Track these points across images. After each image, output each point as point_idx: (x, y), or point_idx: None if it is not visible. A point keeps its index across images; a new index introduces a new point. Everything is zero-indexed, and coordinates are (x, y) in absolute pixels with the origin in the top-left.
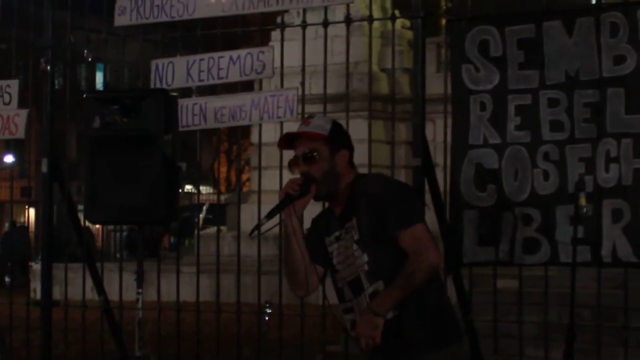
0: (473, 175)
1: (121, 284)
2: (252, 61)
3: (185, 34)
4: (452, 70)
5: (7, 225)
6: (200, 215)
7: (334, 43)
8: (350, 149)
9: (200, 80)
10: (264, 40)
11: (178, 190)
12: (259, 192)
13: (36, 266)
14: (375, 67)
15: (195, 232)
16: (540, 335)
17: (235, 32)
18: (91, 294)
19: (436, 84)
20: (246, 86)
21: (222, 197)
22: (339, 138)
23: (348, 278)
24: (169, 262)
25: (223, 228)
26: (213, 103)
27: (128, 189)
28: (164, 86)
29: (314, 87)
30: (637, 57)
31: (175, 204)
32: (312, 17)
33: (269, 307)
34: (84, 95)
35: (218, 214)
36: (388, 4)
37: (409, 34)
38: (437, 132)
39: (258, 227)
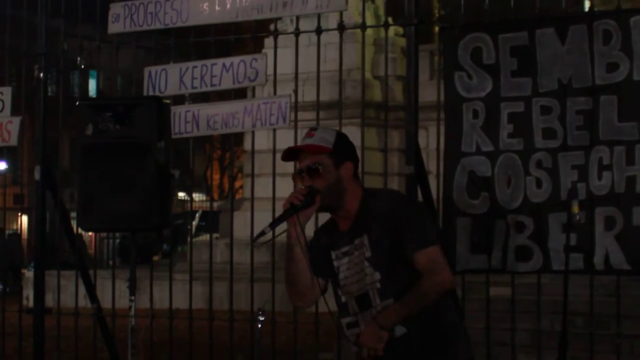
0: (466, 182)
1: (114, 292)
2: (245, 68)
3: (179, 41)
4: (445, 78)
5: None
6: (193, 223)
7: (327, 50)
8: (355, 160)
9: (193, 88)
10: (257, 48)
11: (171, 198)
12: (252, 199)
13: (29, 273)
14: (368, 75)
15: (188, 239)
16: (533, 343)
17: (228, 39)
18: (84, 302)
19: (429, 92)
20: (239, 93)
21: (215, 205)
22: (343, 150)
23: (355, 293)
24: (162, 270)
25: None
26: (206, 110)
27: (121, 196)
28: (157, 93)
29: (307, 95)
30: (630, 64)
31: (168, 211)
32: (306, 25)
33: (262, 315)
34: (77, 103)
35: (211, 221)
36: (381, 12)
37: (402, 42)
38: (430, 139)
39: (261, 235)
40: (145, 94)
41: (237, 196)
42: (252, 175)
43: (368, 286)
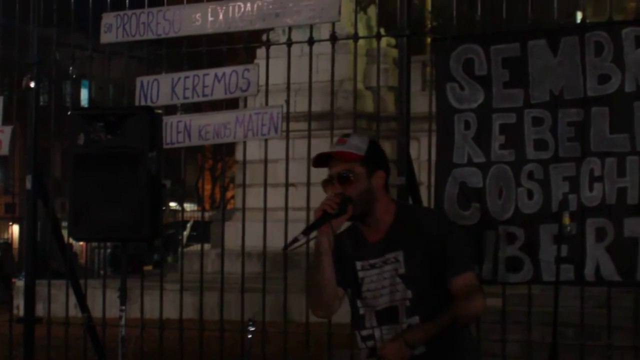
0: (457, 193)
1: (104, 301)
2: (237, 79)
3: (171, 51)
4: (436, 89)
5: None
6: (185, 233)
7: (319, 61)
8: (387, 169)
9: (185, 98)
10: (250, 58)
11: (162, 208)
12: (243, 209)
13: (19, 283)
14: (360, 85)
15: (179, 249)
16: (524, 354)
17: (220, 49)
18: (74, 311)
19: (421, 102)
20: (231, 104)
21: (207, 215)
22: (375, 158)
23: (378, 307)
24: (153, 280)
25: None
26: (197, 120)
27: (112, 206)
28: (149, 103)
29: (299, 105)
30: (622, 76)
31: (159, 221)
32: (298, 35)
33: (252, 325)
34: (69, 112)
35: (202, 231)
36: (374, 22)
37: (395, 52)
38: (422, 150)
39: (294, 242)
40: (137, 104)
41: (229, 206)
42: (244, 186)
43: (398, 302)
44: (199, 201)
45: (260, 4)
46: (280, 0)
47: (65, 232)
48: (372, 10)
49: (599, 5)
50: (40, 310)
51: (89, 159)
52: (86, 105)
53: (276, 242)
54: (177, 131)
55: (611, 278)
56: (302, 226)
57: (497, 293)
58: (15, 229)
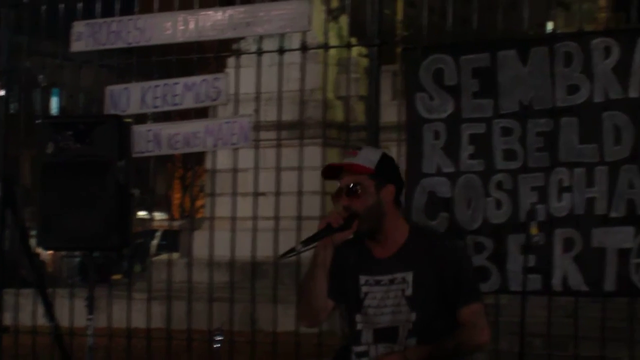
0: (424, 203)
1: (72, 310)
2: (207, 88)
3: (141, 60)
4: (406, 99)
5: None
6: (154, 242)
7: (290, 70)
8: (398, 184)
9: (155, 107)
10: (221, 67)
11: (131, 217)
12: (212, 218)
13: None
14: (330, 95)
15: (148, 258)
16: None
17: (190, 58)
18: (42, 320)
19: (392, 112)
20: (200, 112)
21: (176, 224)
22: (386, 172)
23: (378, 325)
24: (121, 289)
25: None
26: (167, 129)
27: (81, 215)
28: (119, 112)
29: (270, 114)
30: (591, 86)
31: (128, 230)
32: (269, 44)
33: (220, 335)
34: (38, 121)
35: (171, 240)
36: (345, 32)
37: (365, 62)
38: None
39: (290, 252)
40: (106, 112)
41: (199, 215)
42: (213, 195)
43: (400, 323)
44: (169, 210)
45: (231, 13)
46: (251, 9)
47: (34, 241)
48: (344, 20)
49: (570, 16)
50: (7, 319)
51: (57, 167)
52: (57, 114)
53: (245, 251)
54: (147, 140)
55: (579, 288)
56: (270, 235)
57: None
58: None
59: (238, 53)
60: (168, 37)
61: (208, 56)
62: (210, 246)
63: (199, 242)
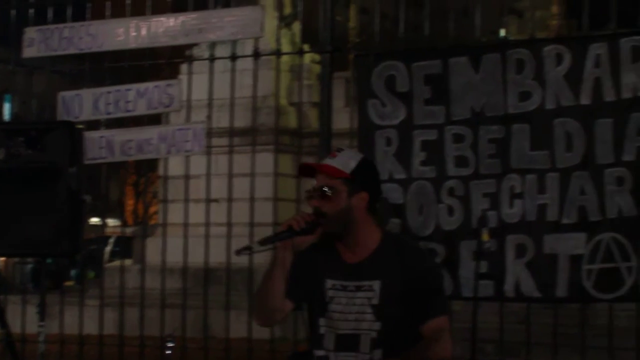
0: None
1: (24, 317)
2: (160, 94)
3: (93, 66)
4: (358, 105)
5: None
6: (107, 248)
7: (243, 77)
8: (373, 191)
9: (107, 113)
10: (174, 74)
11: (83, 223)
12: (165, 225)
13: None
14: (283, 101)
15: (102, 265)
16: None
17: (143, 64)
18: None
19: (345, 118)
20: (153, 119)
21: (129, 230)
22: (362, 179)
23: (341, 331)
24: (74, 295)
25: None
26: (120, 136)
27: (32, 221)
28: (71, 118)
29: (223, 121)
30: (542, 93)
31: (80, 236)
32: (222, 51)
33: (172, 341)
34: None
35: (124, 246)
36: (297, 39)
37: (318, 68)
38: None
39: (246, 249)
40: (59, 119)
41: (152, 222)
42: (165, 201)
43: (363, 331)
44: (122, 216)
45: (183, 19)
46: (204, 15)
47: None
48: (297, 27)
49: (523, 23)
50: None
51: (9, 173)
52: (9, 120)
53: (198, 257)
54: (100, 146)
55: (531, 294)
56: (223, 242)
57: None
58: None
59: (190, 59)
60: (120, 44)
61: (160, 62)
62: (163, 252)
63: (152, 249)
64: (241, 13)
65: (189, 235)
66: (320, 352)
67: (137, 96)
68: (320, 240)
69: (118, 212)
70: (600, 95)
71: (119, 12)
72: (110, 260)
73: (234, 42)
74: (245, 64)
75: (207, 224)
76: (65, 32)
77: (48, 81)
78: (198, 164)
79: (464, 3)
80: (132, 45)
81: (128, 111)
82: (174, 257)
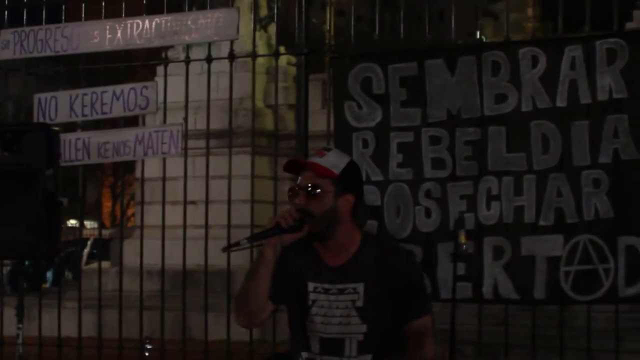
0: None
1: (2, 319)
2: (136, 96)
3: (69, 68)
4: (334, 107)
5: None
6: (85, 250)
7: (219, 79)
8: (358, 194)
9: (84, 115)
10: (150, 76)
11: (59, 225)
12: (142, 227)
13: None
14: (260, 103)
15: (79, 267)
16: None
17: (119, 66)
18: None
19: (322, 120)
20: (130, 121)
21: (107, 232)
22: (349, 180)
23: (325, 335)
24: (52, 297)
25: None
26: (97, 138)
27: (8, 223)
28: (47, 121)
29: (199, 123)
30: (518, 95)
31: (57, 238)
32: (198, 53)
33: (150, 343)
34: None
35: (101, 249)
36: (273, 41)
37: (294, 71)
38: None
39: (235, 245)
40: (35, 121)
41: (130, 224)
42: (142, 203)
43: (348, 335)
44: (99, 219)
45: (158, 21)
46: (179, 18)
47: None
48: (272, 29)
49: (498, 25)
50: None
51: None
52: None
53: (176, 259)
54: (76, 149)
55: (509, 296)
56: (201, 244)
57: None
58: None
59: (166, 61)
60: (96, 46)
61: (136, 65)
62: (141, 255)
63: (130, 251)
64: (216, 15)
65: (167, 238)
66: (305, 354)
67: (114, 98)
68: (300, 241)
69: (95, 215)
70: (576, 97)
71: (94, 14)
72: (88, 263)
73: (210, 44)
74: (221, 66)
75: (185, 226)
76: (40, 34)
77: (24, 83)
78: (175, 166)
79: (440, 5)
80: (108, 47)
81: (104, 113)
82: (152, 259)
